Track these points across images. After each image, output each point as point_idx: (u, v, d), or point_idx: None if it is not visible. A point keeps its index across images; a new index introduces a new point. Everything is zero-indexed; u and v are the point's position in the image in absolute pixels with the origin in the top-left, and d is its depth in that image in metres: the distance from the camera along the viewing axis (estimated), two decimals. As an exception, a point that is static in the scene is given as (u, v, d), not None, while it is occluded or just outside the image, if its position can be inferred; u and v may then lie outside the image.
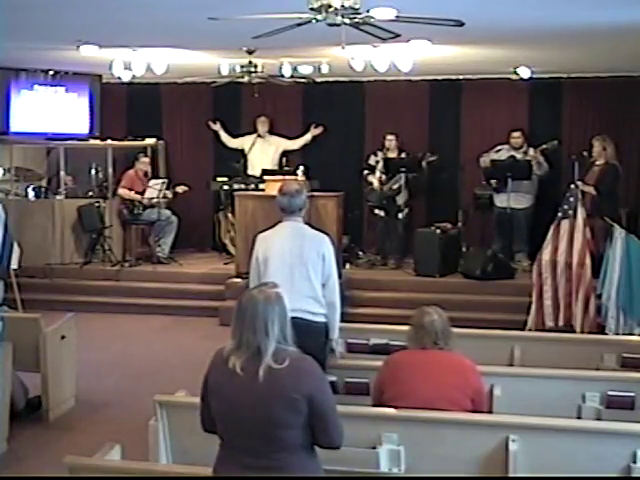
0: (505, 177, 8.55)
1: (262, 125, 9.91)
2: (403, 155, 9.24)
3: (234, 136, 10.10)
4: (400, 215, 8.97)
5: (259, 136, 9.88)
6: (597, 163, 8.16)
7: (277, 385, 2.58)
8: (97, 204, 9.37)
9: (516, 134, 9.05)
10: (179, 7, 5.42)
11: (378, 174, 9.12)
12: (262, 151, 9.82)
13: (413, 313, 3.71)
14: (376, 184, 9.11)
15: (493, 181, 8.84)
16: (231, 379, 2.62)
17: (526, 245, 8.95)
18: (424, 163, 9.12)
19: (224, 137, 10.14)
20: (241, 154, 9.95)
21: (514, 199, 8.69)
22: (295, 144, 9.95)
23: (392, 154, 9.21)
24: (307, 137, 9.97)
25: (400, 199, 8.97)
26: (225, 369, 2.64)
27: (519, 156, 8.88)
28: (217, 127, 10.14)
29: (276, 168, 9.56)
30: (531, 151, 8.93)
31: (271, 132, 10.01)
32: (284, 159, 9.57)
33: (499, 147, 9.11)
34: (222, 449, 2.74)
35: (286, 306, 2.71)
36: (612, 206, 7.94)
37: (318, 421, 2.63)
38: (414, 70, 7.92)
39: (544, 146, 8.89)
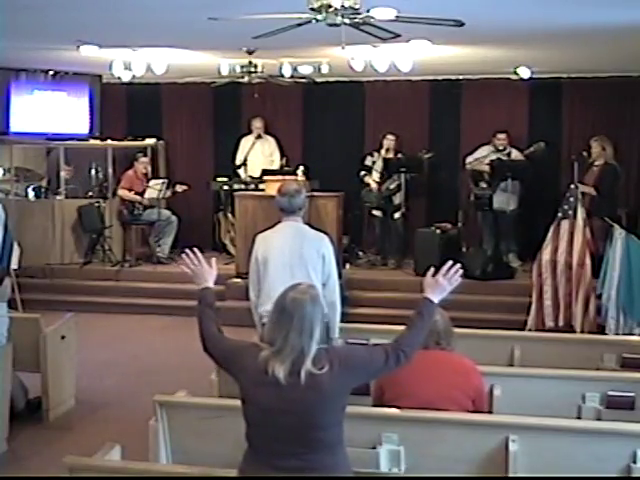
0: (506, 177, 8.54)
1: (258, 126, 9.83)
2: (400, 155, 9.18)
3: (235, 149, 9.81)
4: (396, 215, 8.96)
5: (258, 137, 9.82)
6: (596, 163, 8.15)
7: (319, 388, 2.57)
8: (97, 204, 9.37)
9: (502, 136, 9.01)
10: (179, 7, 5.43)
11: (376, 174, 9.10)
12: (261, 152, 9.77)
13: None
14: (374, 185, 9.08)
15: (482, 183, 8.81)
16: (270, 385, 2.57)
17: (516, 245, 8.98)
18: (424, 161, 9.10)
19: (238, 161, 9.77)
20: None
21: (503, 200, 8.68)
22: (274, 164, 9.62)
23: (390, 154, 9.17)
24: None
25: (397, 199, 8.97)
26: (263, 375, 2.58)
27: (504, 158, 8.85)
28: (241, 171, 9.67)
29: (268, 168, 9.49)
30: (514, 152, 8.93)
31: (267, 132, 9.93)
32: (284, 159, 9.56)
33: (482, 149, 9.06)
34: (250, 450, 2.69)
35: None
36: (610, 206, 7.94)
37: None
38: (414, 70, 7.93)
39: (531, 149, 8.85)
